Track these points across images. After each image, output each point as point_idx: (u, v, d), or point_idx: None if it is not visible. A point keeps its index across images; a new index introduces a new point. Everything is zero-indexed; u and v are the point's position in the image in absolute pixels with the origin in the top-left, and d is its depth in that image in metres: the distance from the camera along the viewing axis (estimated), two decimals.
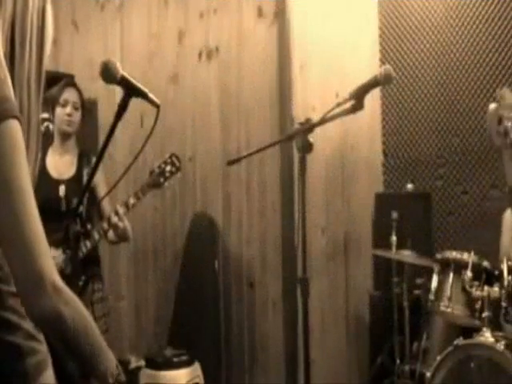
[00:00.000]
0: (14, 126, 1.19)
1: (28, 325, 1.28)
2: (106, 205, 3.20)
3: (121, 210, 3.00)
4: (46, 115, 3.25)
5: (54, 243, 2.89)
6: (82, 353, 1.20)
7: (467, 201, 4.36)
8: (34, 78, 1.31)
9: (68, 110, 3.19)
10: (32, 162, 1.30)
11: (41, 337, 1.30)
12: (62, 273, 2.88)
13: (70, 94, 3.22)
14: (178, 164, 3.11)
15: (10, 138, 1.18)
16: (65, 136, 3.24)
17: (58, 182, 3.16)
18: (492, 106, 3.48)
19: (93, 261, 3.18)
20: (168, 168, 3.08)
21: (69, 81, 3.48)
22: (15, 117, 1.20)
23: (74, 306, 1.18)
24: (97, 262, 3.26)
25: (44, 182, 3.16)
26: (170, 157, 3.11)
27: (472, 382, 3.07)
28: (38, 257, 1.15)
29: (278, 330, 3.96)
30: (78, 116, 3.24)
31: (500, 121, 3.32)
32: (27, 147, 1.27)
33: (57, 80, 3.39)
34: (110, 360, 1.24)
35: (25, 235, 1.16)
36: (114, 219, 2.99)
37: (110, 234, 3.10)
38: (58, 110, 3.20)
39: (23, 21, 1.29)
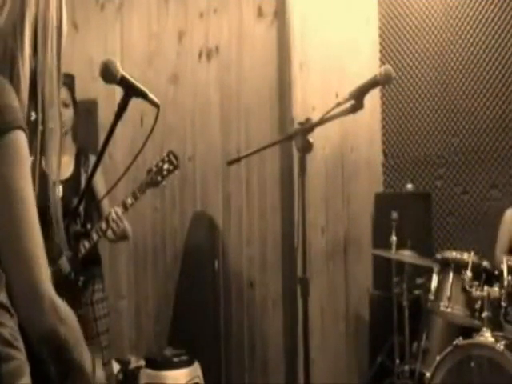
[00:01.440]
0: (20, 137, 1.22)
1: (5, 331, 1.28)
2: (105, 204, 3.19)
3: (119, 211, 3.00)
4: None
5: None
6: (71, 363, 1.25)
7: (467, 201, 4.36)
8: (55, 72, 1.35)
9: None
10: (56, 159, 1.32)
11: (18, 344, 1.30)
12: (60, 274, 2.88)
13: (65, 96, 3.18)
14: (175, 162, 3.09)
15: (15, 149, 1.21)
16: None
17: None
18: None
19: (93, 261, 3.18)
20: (165, 166, 3.07)
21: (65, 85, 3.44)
22: (20, 127, 1.22)
23: (68, 322, 1.23)
24: (97, 261, 3.25)
25: (41, 182, 3.15)
26: (168, 155, 3.09)
27: (472, 382, 3.08)
28: (37, 274, 1.18)
29: (277, 329, 3.96)
30: (68, 113, 3.19)
31: None
32: (46, 148, 1.29)
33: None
34: (88, 370, 1.30)
35: (25, 250, 1.18)
36: (113, 219, 2.98)
37: (109, 232, 3.09)
38: None
39: (45, 19, 1.34)
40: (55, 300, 1.20)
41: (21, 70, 1.29)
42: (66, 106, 3.19)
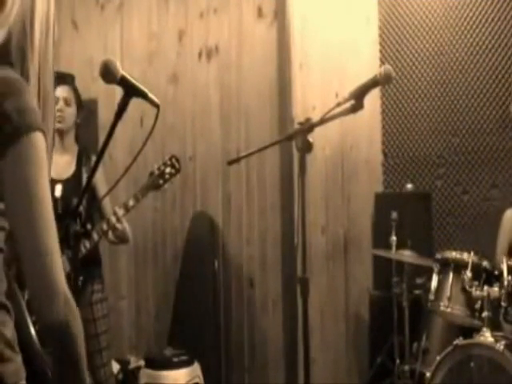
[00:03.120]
0: (39, 139, 1.24)
1: (7, 332, 1.29)
2: (106, 204, 3.19)
3: (120, 212, 3.00)
4: None
5: None
6: (75, 360, 1.27)
7: (467, 201, 4.36)
8: (51, 71, 1.36)
9: (58, 106, 3.14)
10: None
11: (16, 347, 1.31)
12: None
13: (60, 91, 3.17)
14: (177, 166, 3.10)
15: (34, 151, 1.23)
16: (60, 134, 3.21)
17: (54, 182, 3.15)
18: None
19: (93, 261, 3.17)
20: (168, 170, 3.07)
21: (61, 79, 3.43)
22: (40, 129, 1.24)
23: (77, 317, 1.26)
24: (97, 262, 3.25)
25: None
26: (170, 159, 3.10)
27: (472, 382, 3.07)
28: (52, 270, 1.22)
29: (277, 329, 3.96)
30: (69, 112, 3.19)
31: None
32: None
33: (56, 79, 3.36)
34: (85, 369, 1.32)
35: (42, 248, 1.22)
36: (113, 221, 2.99)
37: (110, 234, 3.09)
38: None
39: (48, 18, 1.34)
40: (68, 294, 1.24)
41: (30, 67, 1.30)
42: (68, 104, 3.20)
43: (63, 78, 3.33)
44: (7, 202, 1.24)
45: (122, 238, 3.12)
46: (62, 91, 3.19)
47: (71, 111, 3.21)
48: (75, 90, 3.29)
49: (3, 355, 1.26)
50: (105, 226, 3.02)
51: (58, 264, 1.23)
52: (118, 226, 3.00)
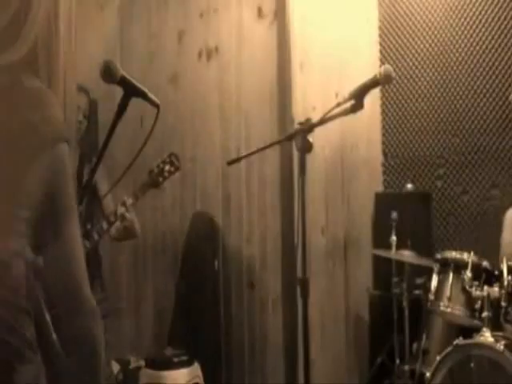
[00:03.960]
0: (66, 150, 1.24)
1: (28, 334, 1.29)
2: (108, 204, 3.18)
3: (128, 201, 2.98)
4: None
5: None
6: (95, 367, 1.32)
7: (467, 201, 4.36)
8: (72, 78, 1.36)
9: (79, 117, 3.15)
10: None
11: (36, 348, 1.31)
12: None
13: (83, 101, 3.18)
14: (177, 163, 3.10)
15: (62, 162, 1.23)
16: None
17: None
18: None
19: (93, 262, 3.17)
20: (167, 167, 3.07)
21: (82, 86, 3.41)
22: (65, 139, 1.24)
23: (102, 330, 1.31)
24: (97, 263, 3.24)
25: None
26: (169, 156, 3.10)
27: (472, 382, 3.08)
28: (80, 284, 1.25)
29: (277, 329, 3.96)
30: (85, 123, 3.21)
31: None
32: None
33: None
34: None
35: (70, 262, 1.24)
36: (121, 210, 2.96)
37: (113, 230, 3.08)
38: None
39: (70, 16, 1.34)
40: (95, 307, 1.29)
41: (55, 66, 1.29)
42: (85, 116, 3.19)
43: (83, 86, 3.30)
44: (33, 213, 1.23)
45: (129, 231, 3.08)
46: (84, 103, 3.19)
47: (86, 122, 3.21)
48: (90, 103, 3.28)
49: (23, 356, 1.27)
50: (105, 225, 3.01)
51: (85, 276, 1.25)
52: (127, 215, 2.97)
